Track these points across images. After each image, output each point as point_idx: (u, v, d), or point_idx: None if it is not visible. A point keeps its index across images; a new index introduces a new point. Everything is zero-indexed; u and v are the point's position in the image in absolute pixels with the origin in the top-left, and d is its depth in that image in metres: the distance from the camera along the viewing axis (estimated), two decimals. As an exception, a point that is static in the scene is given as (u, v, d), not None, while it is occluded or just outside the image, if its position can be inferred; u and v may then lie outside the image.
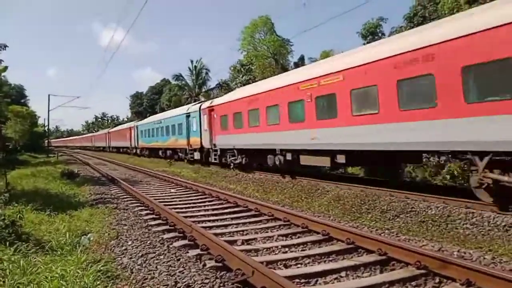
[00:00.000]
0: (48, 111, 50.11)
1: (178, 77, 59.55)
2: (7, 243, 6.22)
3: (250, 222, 9.03)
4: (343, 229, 7.27)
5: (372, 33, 37.78)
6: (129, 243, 7.19)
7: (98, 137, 78.29)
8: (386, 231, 8.03)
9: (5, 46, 18.98)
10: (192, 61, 58.33)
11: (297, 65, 48.18)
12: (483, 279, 4.70)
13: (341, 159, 12.98)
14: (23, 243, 6.41)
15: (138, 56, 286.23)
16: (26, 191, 13.43)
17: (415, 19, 30.52)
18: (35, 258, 5.71)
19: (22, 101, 64.68)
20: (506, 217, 7.90)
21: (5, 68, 18.70)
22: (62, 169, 21.55)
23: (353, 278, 5.42)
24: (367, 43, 37.08)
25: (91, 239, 7.41)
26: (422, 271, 5.31)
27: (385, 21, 38.30)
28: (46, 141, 64.60)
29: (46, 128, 65.01)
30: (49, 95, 49.83)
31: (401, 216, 9.18)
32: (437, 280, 5.15)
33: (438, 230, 8.02)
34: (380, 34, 37.87)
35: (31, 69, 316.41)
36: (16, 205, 9.21)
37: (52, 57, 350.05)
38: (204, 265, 5.84)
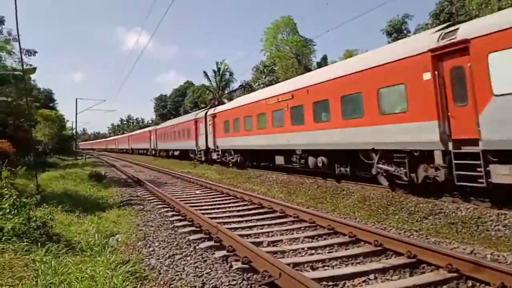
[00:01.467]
0: (76, 114, 51.40)
1: (206, 74, 59.74)
2: (39, 244, 6.37)
3: (275, 224, 9.00)
4: (370, 230, 7.15)
5: (397, 30, 37.15)
6: (156, 244, 7.26)
7: (164, 132, 43.49)
8: (415, 233, 7.87)
9: (35, 52, 19.56)
10: (217, 63, 58.63)
11: (319, 65, 47.91)
12: (519, 284, 4.54)
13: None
14: (54, 243, 6.55)
15: (162, 59, 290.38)
16: (55, 192, 13.75)
17: (442, 16, 29.85)
18: (65, 258, 5.82)
19: (51, 104, 66.40)
20: (541, 219, 7.62)
21: (34, 69, 19.08)
22: (89, 171, 22.00)
23: (382, 281, 5.33)
24: (392, 40, 36.58)
25: (119, 240, 7.52)
26: (454, 274, 5.18)
27: (410, 18, 37.68)
28: (75, 143, 66.03)
29: (74, 131, 66.62)
30: (76, 99, 51.18)
31: (429, 217, 8.98)
32: (469, 284, 5.01)
33: (468, 232, 7.80)
34: (405, 32, 37.22)
35: (59, 74, 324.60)
36: (46, 206, 9.45)
37: (78, 62, 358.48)
38: (231, 266, 5.85)
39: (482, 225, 8.06)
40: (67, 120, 68.11)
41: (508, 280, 4.64)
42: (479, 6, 25.64)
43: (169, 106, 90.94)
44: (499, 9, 20.81)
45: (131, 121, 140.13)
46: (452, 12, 29.37)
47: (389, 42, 37.47)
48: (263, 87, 44.54)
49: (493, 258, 6.00)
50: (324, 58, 50.79)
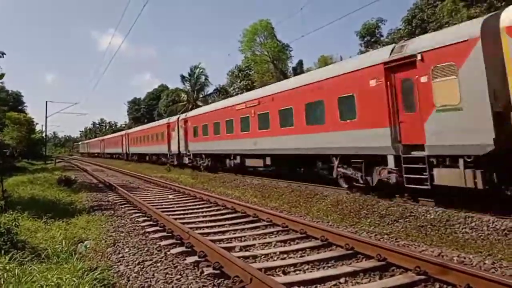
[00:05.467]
0: (46, 117, 50.05)
1: (183, 77, 58.99)
2: (2, 251, 6.13)
3: (248, 228, 8.96)
4: (342, 234, 7.21)
5: (370, 34, 37.87)
6: (126, 250, 7.13)
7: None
8: (385, 236, 7.97)
9: (3, 53, 18.92)
10: (191, 68, 58.19)
11: (295, 70, 48.29)
12: (484, 285, 4.65)
13: None
14: (19, 251, 6.32)
15: (137, 61, 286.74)
16: (22, 198, 13.33)
17: (414, 22, 30.64)
18: (30, 266, 5.62)
19: (20, 107, 64.62)
20: (506, 221, 7.87)
21: (2, 75, 18.58)
22: (59, 176, 21.41)
23: (352, 285, 5.36)
24: (365, 43, 37.27)
25: (88, 246, 7.34)
26: (422, 276, 5.26)
27: (383, 23, 38.46)
28: (44, 147, 64.08)
29: (43, 134, 64.87)
30: (46, 102, 49.85)
31: (400, 220, 9.14)
32: (437, 286, 5.10)
33: (437, 235, 7.98)
34: (378, 35, 37.95)
35: (29, 75, 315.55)
36: (11, 212, 9.13)
37: (50, 63, 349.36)
38: (202, 272, 5.78)
39: (450, 227, 8.25)
40: (37, 123, 66.30)
41: (473, 281, 4.74)
42: (450, 12, 26.37)
43: (142, 110, 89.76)
44: (468, 17, 21.50)
45: (103, 124, 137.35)
46: (424, 18, 30.14)
47: (361, 45, 38.21)
48: (239, 91, 44.61)
49: (460, 260, 6.13)
50: (300, 63, 51.28)
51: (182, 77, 58.33)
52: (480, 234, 7.68)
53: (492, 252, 6.60)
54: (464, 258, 6.25)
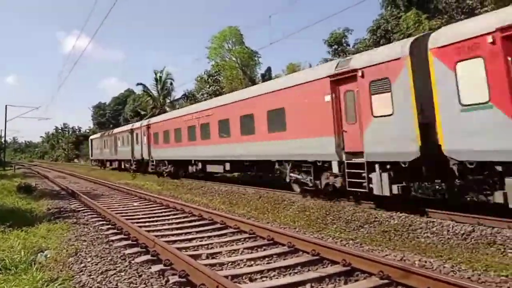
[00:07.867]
0: (5, 122, 48.16)
1: (144, 86, 58.22)
2: (-45, 263, 5.85)
3: (215, 236, 8.89)
4: (308, 240, 7.28)
5: (337, 43, 38.58)
6: (89, 259, 6.90)
7: None
8: (351, 241, 8.10)
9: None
10: (156, 72, 57.32)
11: (263, 76, 48.55)
12: (443, 288, 4.80)
13: None
14: (-27, 262, 6.06)
15: (103, 65, 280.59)
16: (-22, 206, 12.75)
17: (378, 32, 31.43)
18: (-14, 278, 5.39)
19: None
20: (465, 226, 8.19)
21: None
22: (18, 183, 20.60)
23: (318, 290, 5.41)
24: (333, 51, 37.99)
25: (48, 256, 7.08)
26: (385, 281, 5.37)
27: (350, 32, 39.22)
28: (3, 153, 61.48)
29: (3, 139, 62.33)
30: (6, 106, 48.13)
31: (365, 226, 9.32)
32: (399, 289, 5.22)
33: (400, 240, 8.18)
34: (345, 45, 38.71)
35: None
36: (-34, 222, 8.73)
37: (12, 64, 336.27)
38: (167, 281, 5.68)
39: (412, 232, 8.50)
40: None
41: (433, 284, 4.89)
42: (414, 24, 27.24)
43: (108, 115, 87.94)
44: (430, 29, 22.30)
45: (66, 129, 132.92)
46: (388, 29, 30.95)
47: (329, 53, 38.86)
48: (207, 96, 44.43)
49: (421, 264, 6.30)
50: (268, 70, 51.57)
51: (142, 84, 57.58)
52: (440, 239, 7.94)
53: (452, 255, 6.81)
54: (426, 262, 6.42)
